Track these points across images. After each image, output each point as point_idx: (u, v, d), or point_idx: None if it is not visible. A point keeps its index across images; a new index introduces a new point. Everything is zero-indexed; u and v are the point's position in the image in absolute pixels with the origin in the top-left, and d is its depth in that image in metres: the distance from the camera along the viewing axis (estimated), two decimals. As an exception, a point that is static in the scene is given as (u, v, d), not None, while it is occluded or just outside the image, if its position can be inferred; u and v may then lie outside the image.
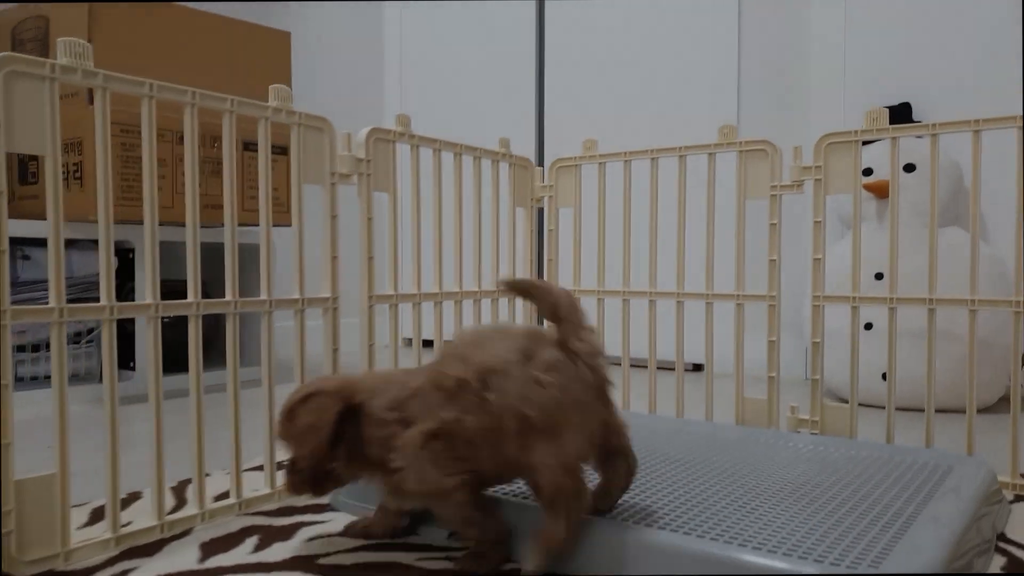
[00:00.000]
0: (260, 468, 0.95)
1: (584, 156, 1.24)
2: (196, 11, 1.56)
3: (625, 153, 1.19)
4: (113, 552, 0.68)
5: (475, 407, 0.60)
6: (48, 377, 1.46)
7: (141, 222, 1.23)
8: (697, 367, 1.96)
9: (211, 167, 1.53)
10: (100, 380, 1.50)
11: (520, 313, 1.25)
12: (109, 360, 0.70)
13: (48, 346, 1.43)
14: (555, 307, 0.63)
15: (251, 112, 0.83)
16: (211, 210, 1.46)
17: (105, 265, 0.70)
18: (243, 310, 0.83)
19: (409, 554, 0.68)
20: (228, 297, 0.81)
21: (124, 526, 0.71)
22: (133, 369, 1.53)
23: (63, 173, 1.43)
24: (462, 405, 0.60)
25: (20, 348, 1.46)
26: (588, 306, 1.36)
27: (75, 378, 1.51)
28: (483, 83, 2.27)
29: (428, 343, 1.07)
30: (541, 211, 1.92)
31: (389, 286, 1.01)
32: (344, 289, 0.96)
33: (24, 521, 0.64)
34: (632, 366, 1.24)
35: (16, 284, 1.45)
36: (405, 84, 2.41)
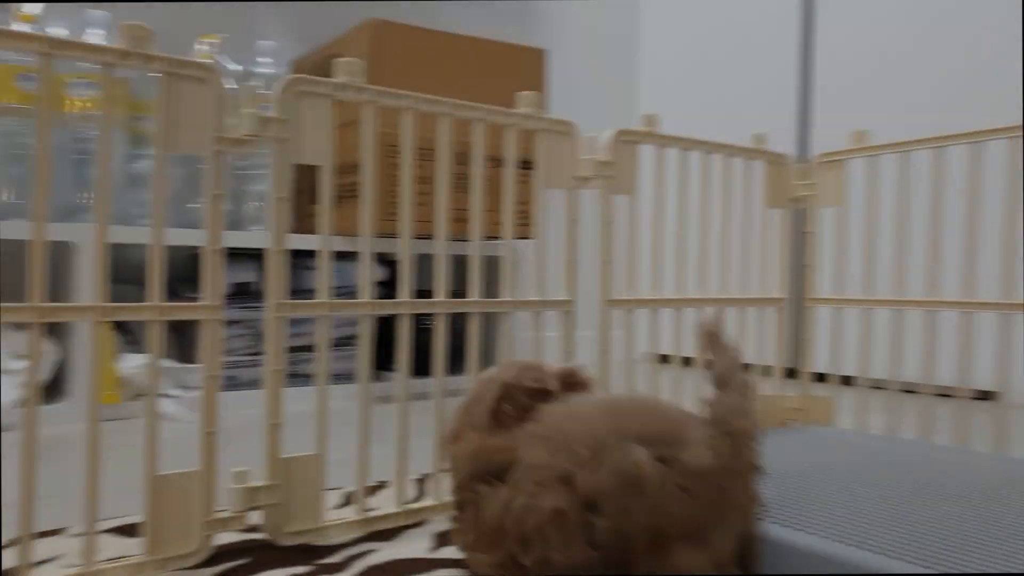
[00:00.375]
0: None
1: (854, 149, 1.12)
2: (454, 35, 1.66)
3: (903, 143, 1.06)
4: (358, 533, 0.73)
5: (576, 540, 0.44)
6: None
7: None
8: (985, 395, 1.69)
9: (466, 183, 1.62)
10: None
11: (774, 326, 1.15)
12: (364, 353, 0.75)
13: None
14: (727, 370, 0.50)
15: (499, 120, 0.86)
16: (462, 224, 1.55)
17: (366, 272, 0.75)
18: (486, 309, 0.85)
19: None
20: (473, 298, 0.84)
21: (369, 511, 0.75)
22: (391, 370, 1.65)
23: (341, 193, 1.59)
24: (562, 537, 0.44)
25: (303, 348, 1.64)
26: (851, 319, 1.22)
27: (345, 377, 1.66)
28: (740, 80, 2.16)
29: (666, 357, 1.02)
30: (802, 212, 1.77)
31: (627, 292, 0.99)
32: (583, 294, 0.95)
33: (289, 496, 0.70)
34: (903, 391, 1.10)
35: (300, 292, 1.63)
36: (659, 90, 2.37)
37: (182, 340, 1.60)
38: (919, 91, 1.80)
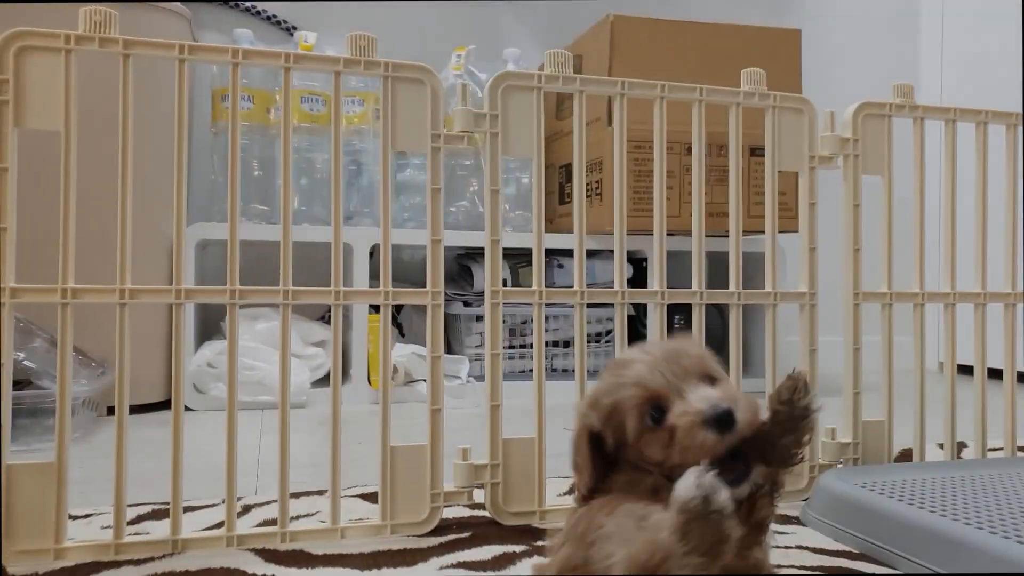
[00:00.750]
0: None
1: None
2: (698, 24, 1.61)
3: None
4: (579, 518, 0.74)
5: None
6: (564, 371, 1.67)
7: (651, 232, 1.31)
8: None
9: (716, 175, 1.56)
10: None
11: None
12: (620, 336, 0.76)
13: (570, 344, 1.63)
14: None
15: (722, 100, 0.82)
16: (716, 218, 1.49)
17: (619, 271, 0.76)
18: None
19: (873, 586, 0.58)
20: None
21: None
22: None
23: (584, 191, 1.61)
24: None
25: (553, 344, 1.70)
26: None
27: (594, 373, 1.69)
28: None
29: (966, 368, 0.90)
30: None
31: (882, 283, 0.88)
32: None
33: (509, 476, 0.73)
34: None
35: (554, 289, 1.69)
36: (945, 66, 2.10)
37: (445, 334, 1.74)
38: None
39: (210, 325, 1.52)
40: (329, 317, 1.65)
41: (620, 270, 0.80)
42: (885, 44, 2.19)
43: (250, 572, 0.59)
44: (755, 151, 1.50)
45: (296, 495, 0.80)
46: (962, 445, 1.01)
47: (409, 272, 1.69)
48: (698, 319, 0.80)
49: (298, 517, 0.72)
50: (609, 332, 1.70)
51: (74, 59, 0.62)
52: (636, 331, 1.69)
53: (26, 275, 0.63)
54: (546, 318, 1.64)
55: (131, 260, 0.64)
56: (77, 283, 0.63)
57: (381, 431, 0.70)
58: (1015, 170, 0.92)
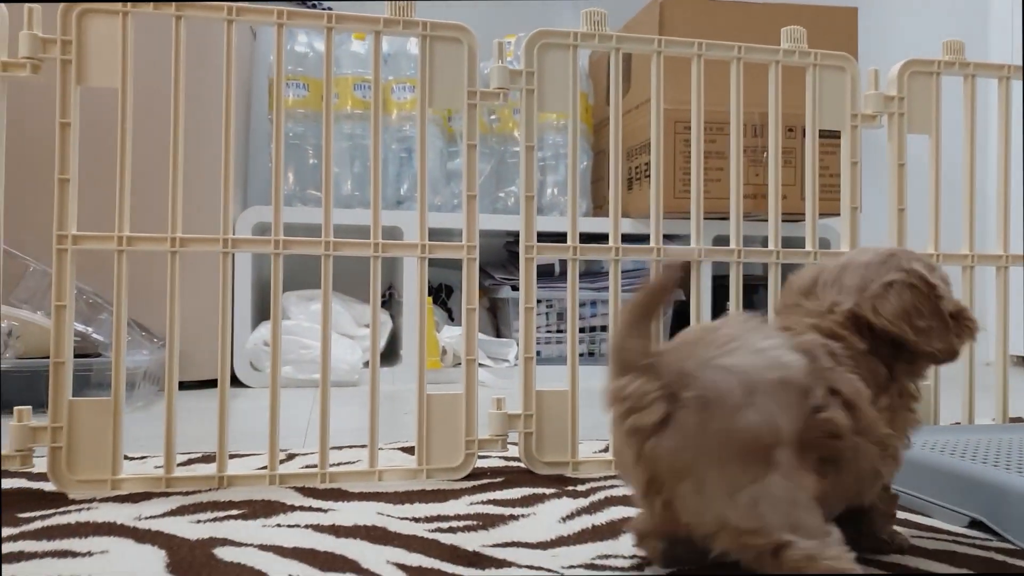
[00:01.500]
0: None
1: None
2: (756, 3, 1.59)
3: None
4: (610, 471, 0.74)
5: None
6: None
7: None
8: None
9: (784, 158, 1.54)
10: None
11: None
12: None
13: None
14: None
15: (762, 58, 0.82)
16: (757, 200, 1.47)
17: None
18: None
19: (907, 528, 0.57)
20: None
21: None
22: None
23: (634, 175, 1.61)
24: None
25: (603, 328, 1.70)
26: None
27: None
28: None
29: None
30: None
31: (930, 244, 0.86)
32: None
33: (542, 426, 0.74)
34: None
35: (597, 274, 1.68)
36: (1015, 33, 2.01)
37: (495, 319, 1.76)
38: None
39: (267, 305, 1.57)
40: (385, 300, 1.69)
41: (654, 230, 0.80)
42: (948, 23, 2.12)
43: (288, 503, 0.62)
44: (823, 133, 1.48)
45: (339, 447, 0.83)
46: (1018, 420, 0.98)
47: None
48: (736, 277, 0.80)
49: (339, 464, 0.75)
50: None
51: (131, 21, 0.67)
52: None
53: (86, 225, 0.67)
54: (592, 303, 1.65)
55: (183, 214, 0.68)
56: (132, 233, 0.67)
57: (418, 376, 0.72)
58: (1073, 129, 0.89)
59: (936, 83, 0.86)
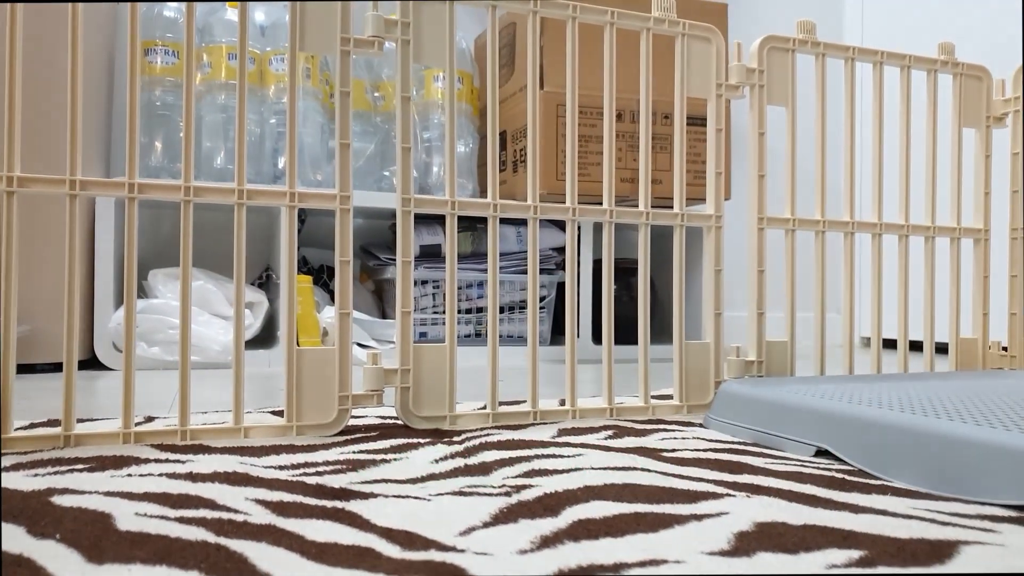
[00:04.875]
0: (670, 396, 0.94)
1: (1066, 52, 0.96)
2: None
3: None
4: (488, 424, 0.75)
5: None
6: (510, 336, 1.68)
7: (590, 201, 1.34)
8: None
9: (659, 144, 1.59)
10: (550, 343, 1.67)
11: (968, 258, 1.01)
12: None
13: (514, 309, 1.64)
14: None
15: (633, 25, 0.84)
16: (634, 184, 1.52)
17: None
18: (618, 220, 0.84)
19: (757, 459, 0.60)
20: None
21: (501, 406, 0.77)
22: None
23: (518, 158, 1.63)
24: None
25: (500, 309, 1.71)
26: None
27: (521, 338, 1.70)
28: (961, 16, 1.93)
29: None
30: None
31: (787, 209, 0.92)
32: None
33: (419, 381, 0.73)
34: None
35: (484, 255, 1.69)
36: (867, 20, 2.16)
37: (380, 300, 1.73)
38: None
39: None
40: (259, 281, 1.63)
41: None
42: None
43: (142, 457, 0.58)
44: (692, 120, 1.54)
45: (204, 412, 0.79)
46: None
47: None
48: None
49: (203, 424, 0.71)
50: (544, 299, 1.72)
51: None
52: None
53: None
54: (479, 284, 1.66)
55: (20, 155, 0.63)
56: (-33, 171, 0.61)
57: (286, 330, 0.69)
58: (922, 111, 0.97)
59: (792, 59, 0.91)
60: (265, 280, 1.61)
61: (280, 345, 1.40)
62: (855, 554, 0.37)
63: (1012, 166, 1.02)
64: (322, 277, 1.79)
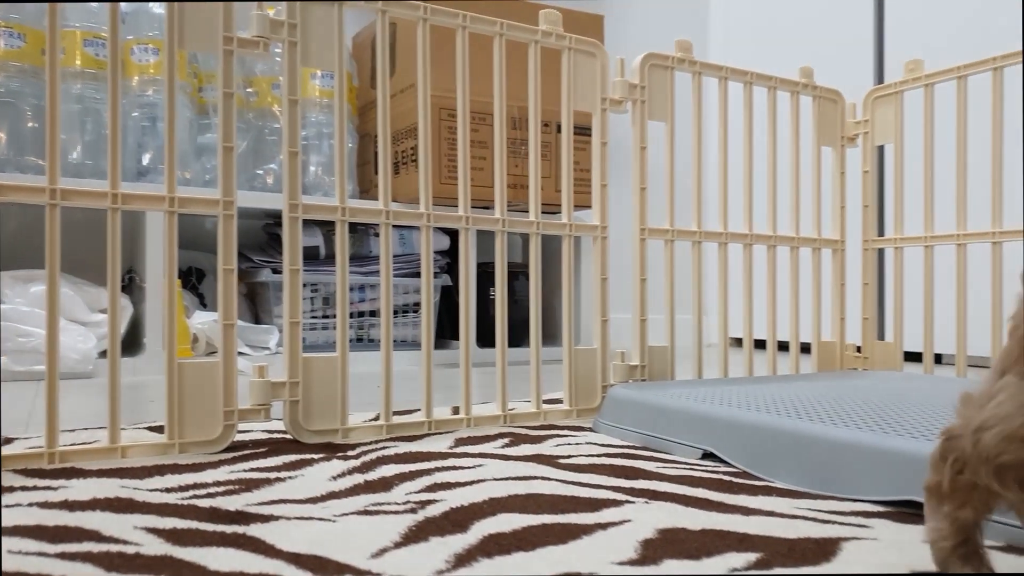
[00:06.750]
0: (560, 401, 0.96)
1: (906, 81, 1.06)
2: (514, 2, 1.66)
3: (957, 68, 0.99)
4: (382, 436, 0.73)
5: None
6: (396, 341, 1.65)
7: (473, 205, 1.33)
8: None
9: (525, 149, 1.61)
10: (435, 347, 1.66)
11: (827, 267, 1.10)
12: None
13: (398, 313, 1.62)
14: None
15: (521, 36, 0.85)
16: (517, 190, 1.55)
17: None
18: (509, 229, 0.84)
19: (649, 463, 0.62)
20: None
21: (395, 416, 0.76)
22: (457, 339, 1.66)
23: (400, 159, 1.61)
24: None
25: (371, 313, 1.68)
26: (914, 257, 1.15)
27: (404, 343, 1.68)
28: (817, 20, 2.07)
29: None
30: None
31: (666, 220, 0.96)
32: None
33: (309, 393, 0.71)
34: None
35: (367, 258, 1.66)
36: (731, 52, 2.29)
37: (253, 305, 1.66)
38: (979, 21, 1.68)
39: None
40: (125, 285, 1.53)
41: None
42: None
43: (6, 485, 0.54)
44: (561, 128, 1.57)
45: (71, 430, 0.74)
46: (737, 377, 1.12)
47: (213, 241, 1.60)
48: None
49: (73, 445, 0.66)
50: (418, 304, 1.71)
51: None
52: (452, 301, 1.71)
53: None
54: (361, 287, 1.62)
55: None
56: None
57: (167, 341, 0.66)
58: (794, 130, 1.04)
59: (671, 76, 0.95)
60: (128, 283, 1.51)
61: (147, 353, 1.32)
62: (752, 556, 0.40)
63: (863, 183, 1.12)
64: (190, 280, 1.70)
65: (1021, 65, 0.95)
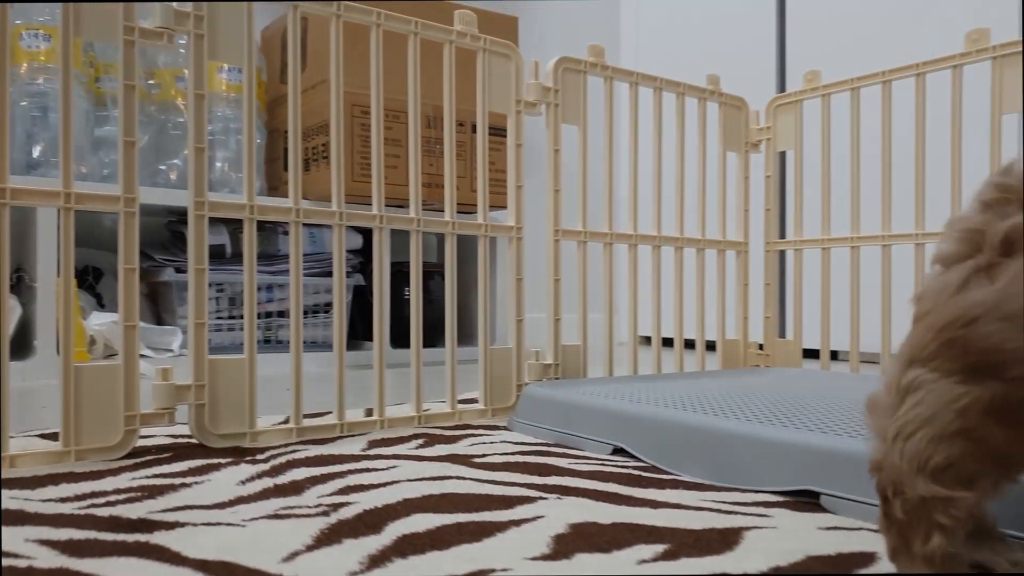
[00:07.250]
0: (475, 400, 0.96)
1: (805, 90, 1.12)
2: (429, 3, 1.65)
3: (851, 80, 1.05)
4: (293, 439, 0.72)
5: None
6: (305, 342, 1.61)
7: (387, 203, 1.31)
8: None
9: (441, 148, 1.61)
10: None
11: (731, 268, 1.14)
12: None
13: (308, 313, 1.59)
14: None
15: (436, 36, 0.85)
16: (432, 189, 1.54)
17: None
18: (425, 229, 0.84)
19: (561, 459, 0.64)
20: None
21: (306, 418, 0.74)
22: (370, 340, 1.64)
23: (311, 156, 1.58)
24: None
25: (280, 314, 1.64)
26: (813, 258, 1.21)
27: (315, 344, 1.65)
28: (723, 29, 2.15)
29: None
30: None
31: (579, 222, 0.98)
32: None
33: (216, 397, 0.69)
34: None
35: (276, 257, 1.62)
36: (642, 56, 2.34)
37: (155, 305, 1.60)
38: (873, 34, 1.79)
39: None
40: (13, 284, 1.44)
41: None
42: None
43: None
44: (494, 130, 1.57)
45: (-47, 440, 0.69)
46: (647, 375, 1.15)
47: (111, 238, 1.53)
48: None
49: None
50: (328, 304, 1.68)
51: None
52: (365, 301, 1.69)
53: None
54: (268, 287, 1.58)
55: None
56: None
57: (63, 344, 0.62)
58: (699, 136, 1.07)
59: (584, 80, 0.97)
60: (16, 283, 1.43)
61: (38, 356, 1.25)
62: (660, 548, 0.41)
63: (766, 187, 1.17)
64: (86, 279, 1.62)
65: (913, 78, 1.01)
